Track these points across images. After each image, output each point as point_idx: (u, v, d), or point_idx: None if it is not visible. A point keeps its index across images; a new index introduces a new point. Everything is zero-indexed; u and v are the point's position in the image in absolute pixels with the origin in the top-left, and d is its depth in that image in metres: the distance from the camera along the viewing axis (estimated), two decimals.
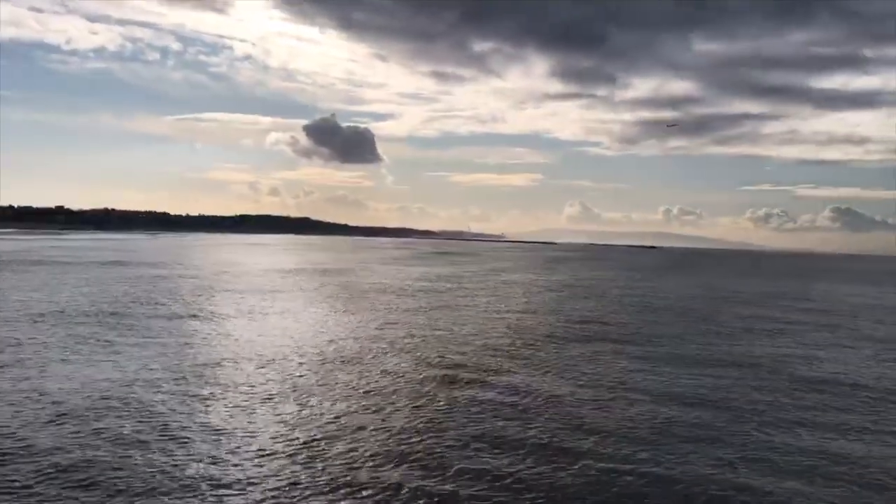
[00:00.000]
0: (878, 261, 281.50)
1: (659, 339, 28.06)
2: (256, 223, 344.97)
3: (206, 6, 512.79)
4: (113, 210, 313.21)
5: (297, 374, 19.05)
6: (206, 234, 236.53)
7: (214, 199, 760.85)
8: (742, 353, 25.51)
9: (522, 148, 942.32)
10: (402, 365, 20.79)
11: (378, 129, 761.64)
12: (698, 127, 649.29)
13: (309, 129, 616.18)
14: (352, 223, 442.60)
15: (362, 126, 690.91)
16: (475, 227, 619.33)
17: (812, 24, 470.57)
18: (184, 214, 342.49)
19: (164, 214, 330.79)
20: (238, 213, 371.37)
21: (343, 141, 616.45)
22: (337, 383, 18.07)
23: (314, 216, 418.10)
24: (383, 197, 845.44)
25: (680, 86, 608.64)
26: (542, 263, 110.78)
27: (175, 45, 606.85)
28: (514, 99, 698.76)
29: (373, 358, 21.72)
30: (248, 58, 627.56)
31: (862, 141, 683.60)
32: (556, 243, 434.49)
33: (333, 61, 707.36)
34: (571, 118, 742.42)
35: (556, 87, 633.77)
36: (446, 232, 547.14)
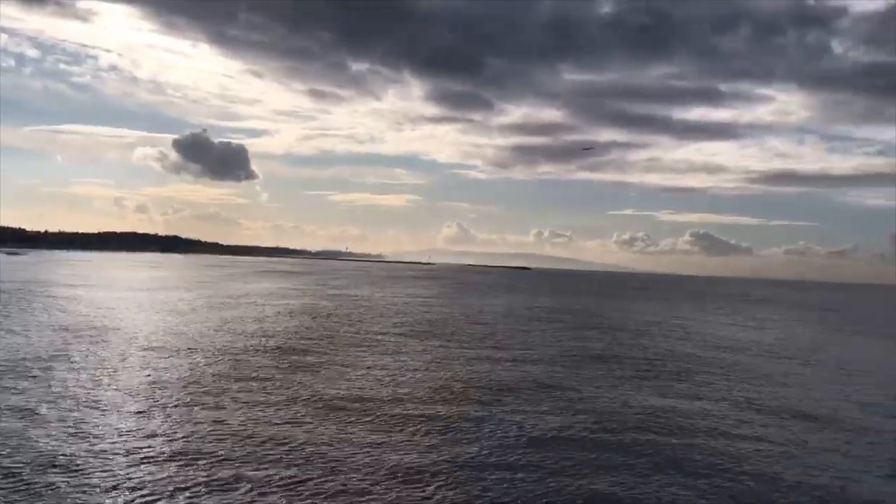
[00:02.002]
0: (719, 283, 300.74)
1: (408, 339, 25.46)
2: (121, 241, 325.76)
3: (67, 14, 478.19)
4: None
5: None
6: (63, 252, 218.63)
7: (76, 216, 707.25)
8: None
9: (401, 169, 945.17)
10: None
11: (253, 145, 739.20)
12: (567, 153, 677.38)
13: (179, 144, 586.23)
14: (224, 242, 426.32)
15: (236, 142, 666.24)
16: (353, 248, 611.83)
17: (672, 59, 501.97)
18: (42, 231, 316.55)
19: (21, 231, 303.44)
20: (101, 231, 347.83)
21: (215, 157, 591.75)
22: None
23: (184, 234, 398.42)
24: (257, 215, 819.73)
25: (551, 113, 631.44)
26: (373, 280, 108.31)
27: (33, 53, 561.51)
28: (392, 120, 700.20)
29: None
30: (113, 69, 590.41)
31: (718, 170, 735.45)
32: (433, 264, 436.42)
33: (206, 76, 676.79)
34: (448, 141, 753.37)
35: (433, 110, 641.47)
36: (323, 252, 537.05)
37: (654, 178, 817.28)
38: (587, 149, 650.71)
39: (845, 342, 42.62)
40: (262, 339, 29.76)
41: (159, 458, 12.61)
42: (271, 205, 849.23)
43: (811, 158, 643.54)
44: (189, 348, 26.33)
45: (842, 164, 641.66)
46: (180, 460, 12.57)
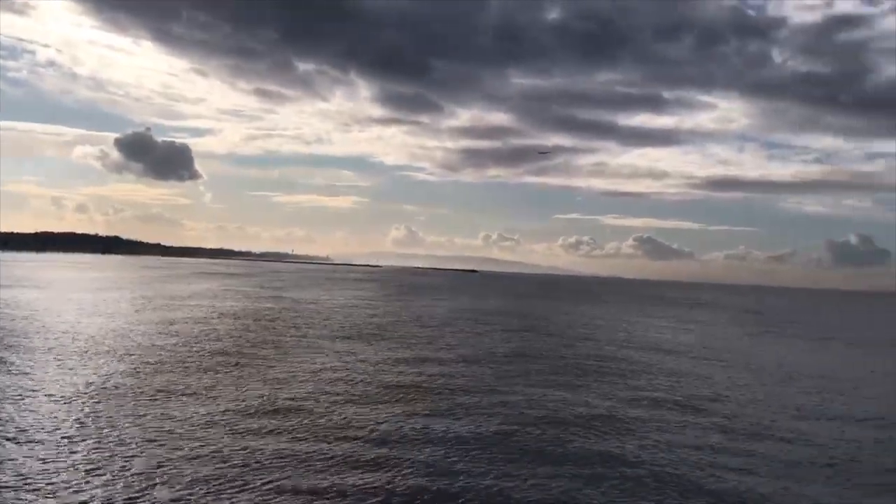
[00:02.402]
0: (659, 286, 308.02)
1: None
2: (60, 242, 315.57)
3: (3, 6, 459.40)
4: None
5: None
6: None
7: (12, 216, 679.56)
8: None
9: (348, 170, 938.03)
10: None
11: (196, 145, 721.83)
12: (515, 157, 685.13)
13: (120, 143, 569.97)
14: (166, 243, 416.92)
15: (179, 142, 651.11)
16: (300, 249, 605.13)
17: (617, 66, 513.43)
18: None
19: None
20: (39, 231, 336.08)
21: (158, 156, 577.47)
22: None
23: (125, 235, 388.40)
24: (201, 216, 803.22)
25: (499, 117, 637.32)
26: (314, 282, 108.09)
27: None
28: (340, 121, 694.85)
29: None
30: (52, 64, 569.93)
31: (661, 175, 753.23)
32: (380, 266, 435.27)
33: (149, 73, 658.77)
34: (396, 143, 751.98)
35: (381, 111, 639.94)
36: (268, 254, 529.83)
37: (599, 183, 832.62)
38: (543, 152, 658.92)
39: (759, 343, 44.70)
40: (189, 343, 29.77)
41: (82, 465, 12.84)
42: (215, 205, 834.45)
43: (751, 165, 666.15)
44: (109, 351, 26.25)
45: (781, 171, 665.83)
46: (100, 469, 12.83)
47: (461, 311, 58.61)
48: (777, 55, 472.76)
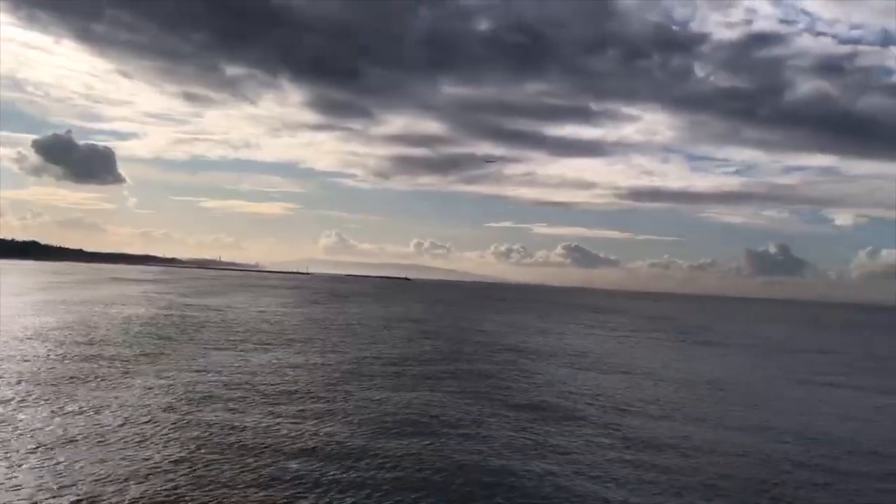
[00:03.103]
0: (584, 293, 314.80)
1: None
2: None
3: None
4: None
5: None
6: None
7: None
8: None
9: (277, 176, 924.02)
10: None
11: (120, 148, 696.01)
12: (447, 165, 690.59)
13: (39, 145, 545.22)
14: (89, 248, 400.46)
15: (102, 145, 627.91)
16: (228, 256, 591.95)
17: (546, 77, 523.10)
18: None
19: None
20: None
21: (79, 159, 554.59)
22: None
23: (44, 240, 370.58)
24: (125, 221, 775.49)
25: (430, 125, 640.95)
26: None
27: None
28: (269, 126, 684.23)
29: None
30: None
31: (589, 185, 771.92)
32: (310, 273, 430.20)
33: (70, 74, 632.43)
34: (327, 149, 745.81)
35: (312, 117, 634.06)
36: (195, 260, 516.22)
37: (529, 193, 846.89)
38: (490, 161, 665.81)
39: (651, 349, 47.09)
40: (86, 348, 29.60)
41: None
42: (140, 211, 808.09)
43: (675, 176, 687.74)
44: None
45: (703, 182, 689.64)
46: None
47: (371, 317, 59.31)
48: (699, 70, 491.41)
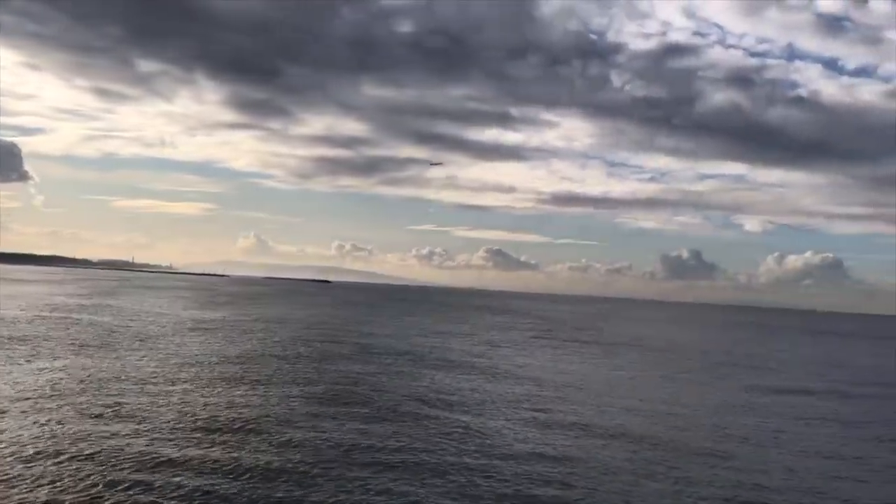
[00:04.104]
0: (501, 296, 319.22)
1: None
2: None
3: None
4: None
5: None
6: None
7: None
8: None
9: (194, 175, 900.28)
10: None
11: (27, 144, 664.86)
12: (369, 167, 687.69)
13: None
14: None
15: (7, 140, 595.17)
16: (141, 257, 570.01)
17: (468, 82, 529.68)
18: None
19: None
20: None
21: None
22: None
23: None
24: (31, 220, 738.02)
25: (352, 126, 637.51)
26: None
27: None
28: (185, 124, 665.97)
29: None
30: None
31: (510, 189, 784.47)
32: (227, 276, 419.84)
33: None
34: (245, 149, 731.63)
35: (230, 116, 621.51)
36: (106, 261, 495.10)
37: (451, 196, 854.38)
38: (435, 164, 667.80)
39: (520, 349, 48.13)
40: None
41: None
42: (48, 209, 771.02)
43: (593, 182, 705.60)
44: None
45: (619, 188, 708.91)
46: None
47: (256, 319, 58.37)
48: (616, 78, 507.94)
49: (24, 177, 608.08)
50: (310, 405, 21.94)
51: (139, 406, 20.27)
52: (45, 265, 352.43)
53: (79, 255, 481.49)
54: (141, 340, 37.41)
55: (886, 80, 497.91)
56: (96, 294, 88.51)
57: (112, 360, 29.38)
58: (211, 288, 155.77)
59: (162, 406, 20.52)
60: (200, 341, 38.81)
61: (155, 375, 25.97)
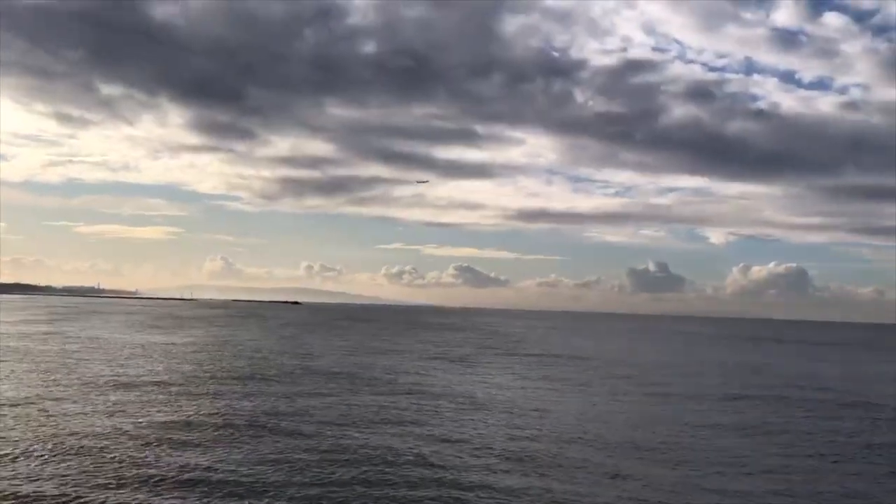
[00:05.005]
0: (469, 314, 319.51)
1: None
2: None
3: None
4: None
5: None
6: None
7: None
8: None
9: (158, 199, 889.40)
10: None
11: None
12: (335, 187, 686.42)
13: None
14: None
15: None
16: (106, 284, 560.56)
17: (433, 101, 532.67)
18: None
19: None
20: None
21: None
22: None
23: None
24: None
25: (317, 146, 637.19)
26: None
27: None
28: (149, 148, 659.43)
29: None
30: None
31: (477, 207, 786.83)
32: (194, 300, 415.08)
33: None
34: (210, 171, 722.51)
35: (194, 139, 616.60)
36: (70, 288, 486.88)
37: (419, 214, 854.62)
38: (422, 182, 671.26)
39: (462, 365, 48.50)
40: None
41: None
42: (9, 237, 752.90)
43: (559, 198, 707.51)
44: None
45: (585, 203, 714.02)
46: None
47: (189, 342, 58.09)
48: (579, 95, 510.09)
49: None
50: (177, 431, 22.07)
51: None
52: (7, 293, 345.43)
53: (42, 283, 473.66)
54: (47, 363, 37.15)
55: (842, 91, 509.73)
56: (43, 322, 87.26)
57: None
58: (168, 313, 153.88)
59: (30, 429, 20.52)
60: (110, 363, 38.60)
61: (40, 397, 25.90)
